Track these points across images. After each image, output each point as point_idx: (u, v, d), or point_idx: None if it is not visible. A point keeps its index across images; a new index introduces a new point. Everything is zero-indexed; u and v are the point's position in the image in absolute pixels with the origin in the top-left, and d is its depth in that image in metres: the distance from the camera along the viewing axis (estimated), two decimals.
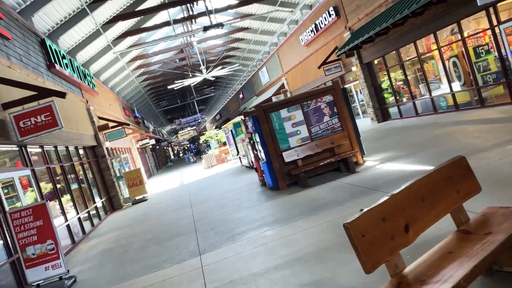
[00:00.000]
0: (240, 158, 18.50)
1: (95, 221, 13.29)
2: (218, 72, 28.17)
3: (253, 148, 10.42)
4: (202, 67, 27.35)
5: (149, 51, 28.93)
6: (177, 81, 28.95)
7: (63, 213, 10.46)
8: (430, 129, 11.55)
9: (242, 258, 5.39)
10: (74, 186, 12.60)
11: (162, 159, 52.33)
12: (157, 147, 48.11)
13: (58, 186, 11.13)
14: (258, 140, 9.49)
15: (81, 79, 16.03)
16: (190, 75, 29.17)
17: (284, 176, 9.31)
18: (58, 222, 10.04)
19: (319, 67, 20.04)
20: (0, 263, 6.65)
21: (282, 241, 5.61)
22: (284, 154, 9.17)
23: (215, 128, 31.76)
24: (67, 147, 12.67)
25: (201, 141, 33.52)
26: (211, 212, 9.31)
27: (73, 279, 6.81)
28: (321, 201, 7.23)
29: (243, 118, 10.71)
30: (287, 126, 9.35)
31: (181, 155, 48.58)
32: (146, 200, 16.64)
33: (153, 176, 35.60)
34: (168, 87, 29.94)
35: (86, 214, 12.60)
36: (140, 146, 30.27)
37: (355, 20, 17.37)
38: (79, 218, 11.59)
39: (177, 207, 11.90)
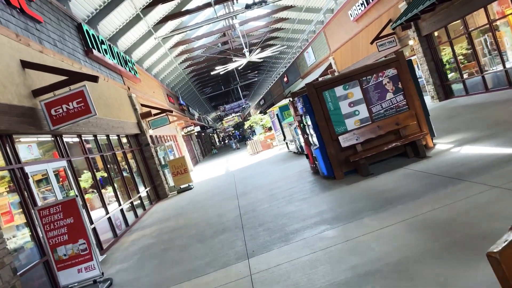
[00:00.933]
0: (287, 143, 17.45)
1: (139, 211, 12.81)
2: (261, 54, 27.06)
3: (304, 132, 9.34)
4: (245, 50, 26.34)
5: (191, 36, 28.29)
6: (220, 66, 28.15)
7: (104, 205, 9.93)
8: (511, 106, 9.91)
9: (300, 267, 4.39)
10: (116, 177, 12.12)
11: (208, 146, 52.34)
12: (203, 134, 48.01)
13: (100, 176, 10.63)
14: (309, 123, 8.39)
15: (121, 66, 15.53)
16: (233, 59, 28.27)
17: (341, 163, 8.17)
18: (98, 214, 9.53)
19: (371, 43, 18.43)
20: (32, 264, 6.07)
21: (349, 246, 4.55)
22: (340, 138, 8.01)
23: (260, 113, 30.78)
24: (108, 136, 12.17)
25: (245, 127, 32.74)
26: (259, 204, 8.37)
27: (109, 282, 6.12)
28: (389, 194, 6.06)
29: (291, 99, 9.62)
30: (343, 106, 8.16)
31: (226, 141, 48.26)
32: (191, 188, 16.04)
33: (199, 163, 35.37)
34: (212, 73, 29.25)
35: (129, 205, 12.11)
36: (185, 133, 29.95)
37: None
38: (121, 210, 11.08)
39: (222, 197, 11.10)
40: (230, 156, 29.69)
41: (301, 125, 9.29)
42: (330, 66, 28.31)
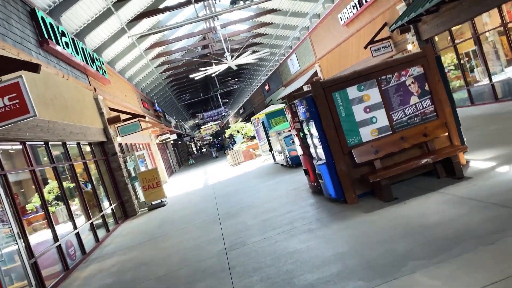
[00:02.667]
0: (273, 154, 15.72)
1: (101, 233, 10.79)
2: (243, 59, 25.40)
3: (303, 143, 7.63)
4: (227, 54, 24.63)
5: (169, 37, 26.40)
6: (200, 69, 26.34)
7: (53, 229, 7.92)
8: None
9: None
10: (74, 192, 10.11)
11: (184, 155, 50.17)
12: (179, 142, 45.87)
13: (49, 193, 8.63)
14: (313, 131, 6.69)
15: (87, 63, 13.55)
16: (213, 64, 26.52)
17: (354, 183, 6.48)
18: (43, 241, 7.53)
19: (365, 47, 17.01)
20: None
21: None
22: (354, 151, 6.33)
23: (242, 121, 29.04)
24: (64, 144, 10.16)
25: (226, 135, 30.96)
26: (250, 234, 6.57)
27: None
28: (437, 231, 4.38)
29: (288, 103, 7.91)
30: (357, 111, 6.50)
31: (204, 150, 46.23)
32: (164, 205, 14.08)
33: (175, 173, 33.25)
34: (190, 76, 27.35)
35: (89, 226, 10.09)
36: (160, 141, 27.89)
37: None
38: (77, 234, 9.07)
39: (201, 219, 9.24)
40: (209, 167, 27.75)
41: (301, 133, 7.58)
42: (315, 73, 26.91)
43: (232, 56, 25.30)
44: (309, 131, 6.96)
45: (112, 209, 12.52)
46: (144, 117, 16.19)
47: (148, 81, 32.26)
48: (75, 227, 9.04)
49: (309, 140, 7.21)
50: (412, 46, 15.57)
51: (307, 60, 28.84)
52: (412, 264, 3.75)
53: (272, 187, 10.56)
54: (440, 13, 13.40)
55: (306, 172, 8.11)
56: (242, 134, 26.42)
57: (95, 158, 12.59)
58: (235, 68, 25.82)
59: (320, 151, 6.70)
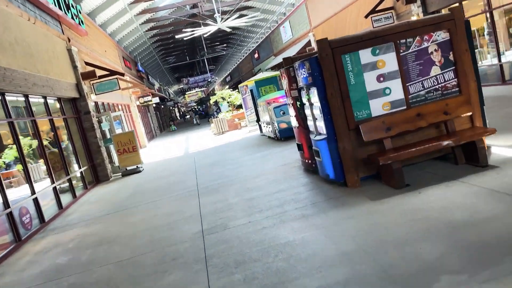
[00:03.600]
0: (260, 125, 14.70)
1: (66, 199, 9.73)
2: (234, 22, 23.90)
3: (299, 113, 6.63)
4: (217, 15, 23.06)
5: None
6: (188, 30, 24.76)
7: (3, 194, 6.82)
8: None
9: None
10: (35, 153, 8.96)
11: (167, 120, 48.66)
12: (162, 106, 44.32)
13: (7, 153, 7.50)
14: (315, 100, 5.67)
15: (60, 9, 12.07)
16: (202, 25, 24.90)
17: (357, 164, 5.54)
18: None
19: (366, 16, 15.84)
20: None
21: None
22: (362, 127, 5.34)
23: (228, 88, 27.76)
24: (26, 97, 8.91)
25: (211, 102, 29.66)
26: (232, 215, 5.62)
27: None
28: (471, 232, 3.48)
29: (285, 67, 6.84)
30: (369, 79, 5.47)
31: (187, 116, 44.63)
32: (139, 171, 13.02)
33: (156, 138, 32.01)
34: (177, 36, 25.73)
35: (51, 191, 9.01)
36: (141, 103, 26.48)
37: None
38: (35, 200, 7.99)
39: (177, 191, 8.26)
40: (191, 134, 26.59)
41: (298, 103, 6.55)
42: (309, 43, 25.63)
43: (222, 18, 23.75)
44: (309, 100, 5.92)
45: (81, 172, 11.41)
46: (123, 75, 14.85)
47: (132, 39, 30.43)
48: (33, 192, 7.95)
49: (307, 111, 6.20)
50: (417, 18, 14.47)
51: (301, 28, 27.45)
52: (447, 281, 2.84)
53: (259, 160, 9.58)
54: None
55: (299, 147, 7.14)
56: (228, 102, 25.21)
57: (64, 115, 11.36)
58: (227, 29, 24.30)
59: (320, 124, 5.70)
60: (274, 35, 34.02)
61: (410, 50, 5.48)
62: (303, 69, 5.72)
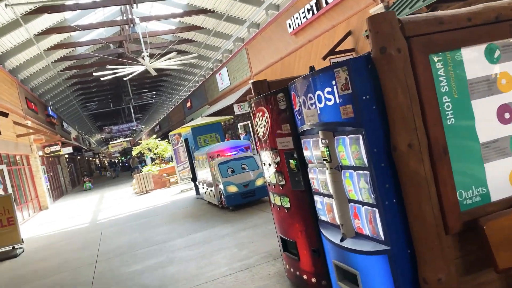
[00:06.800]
0: (197, 186, 11.19)
1: None
2: (164, 63, 20.76)
3: (295, 182, 3.35)
4: (144, 54, 19.78)
5: (73, 22, 20.84)
6: (109, 66, 21.10)
7: None
8: None
9: None
10: None
11: (87, 172, 42.81)
12: (78, 157, 38.88)
13: None
14: (356, 160, 2.45)
15: None
16: (127, 65, 21.40)
17: None
18: None
19: (324, 58, 13.46)
20: None
21: None
22: (489, 230, 2.16)
23: (156, 138, 23.97)
24: None
25: (134, 153, 25.67)
26: None
27: None
28: None
29: (266, 94, 3.63)
30: (481, 112, 2.39)
31: (107, 173, 39.54)
32: (15, 256, 8.72)
33: (65, 195, 26.75)
34: (95, 74, 21.83)
35: None
36: (46, 153, 21.69)
37: None
38: None
39: None
40: (108, 192, 22.01)
41: (293, 163, 3.29)
42: (249, 91, 23.10)
43: (151, 57, 20.51)
44: (329, 157, 2.68)
45: None
46: (6, 115, 10.73)
47: (43, 79, 25.97)
48: None
49: (315, 181, 2.96)
50: None
51: (240, 75, 25.00)
52: None
53: (200, 250, 6.03)
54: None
55: (287, 246, 3.79)
56: (155, 154, 21.38)
57: None
58: (153, 73, 21.00)
59: (367, 214, 2.46)
60: (209, 83, 31.31)
61: None
62: (327, 88, 2.52)
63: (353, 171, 2.53)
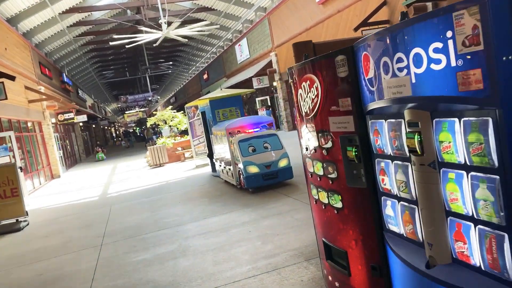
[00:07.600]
0: (214, 162, 10.45)
1: None
2: (182, 30, 19.77)
3: (352, 177, 2.50)
4: (162, 21, 18.78)
5: None
6: (125, 35, 20.24)
7: None
8: None
9: None
10: None
11: (101, 141, 42.57)
12: (93, 126, 38.57)
13: None
14: (496, 157, 1.58)
15: None
16: (144, 32, 20.46)
17: None
18: None
19: (355, 29, 12.34)
20: None
21: None
22: None
23: (170, 109, 23.21)
24: None
25: (149, 124, 24.96)
26: None
27: None
28: None
29: (321, 56, 2.74)
30: None
31: (122, 142, 39.06)
32: (19, 229, 8.17)
33: (79, 163, 26.43)
34: (111, 43, 21.06)
35: None
36: (59, 121, 21.19)
37: None
38: None
39: None
40: (121, 163, 21.51)
41: (353, 150, 2.43)
42: (270, 64, 22.05)
43: (168, 24, 19.51)
44: (423, 146, 1.82)
45: None
46: (13, 78, 10.03)
47: (58, 44, 25.25)
48: None
49: (387, 179, 2.12)
50: None
51: (260, 47, 23.91)
52: None
53: (217, 239, 5.29)
54: None
55: (333, 255, 2.97)
56: (170, 126, 20.70)
57: None
58: (175, 37, 20.03)
59: (496, 241, 1.61)
60: (227, 55, 30.26)
61: None
62: (435, 43, 1.63)
63: (464, 172, 1.68)
